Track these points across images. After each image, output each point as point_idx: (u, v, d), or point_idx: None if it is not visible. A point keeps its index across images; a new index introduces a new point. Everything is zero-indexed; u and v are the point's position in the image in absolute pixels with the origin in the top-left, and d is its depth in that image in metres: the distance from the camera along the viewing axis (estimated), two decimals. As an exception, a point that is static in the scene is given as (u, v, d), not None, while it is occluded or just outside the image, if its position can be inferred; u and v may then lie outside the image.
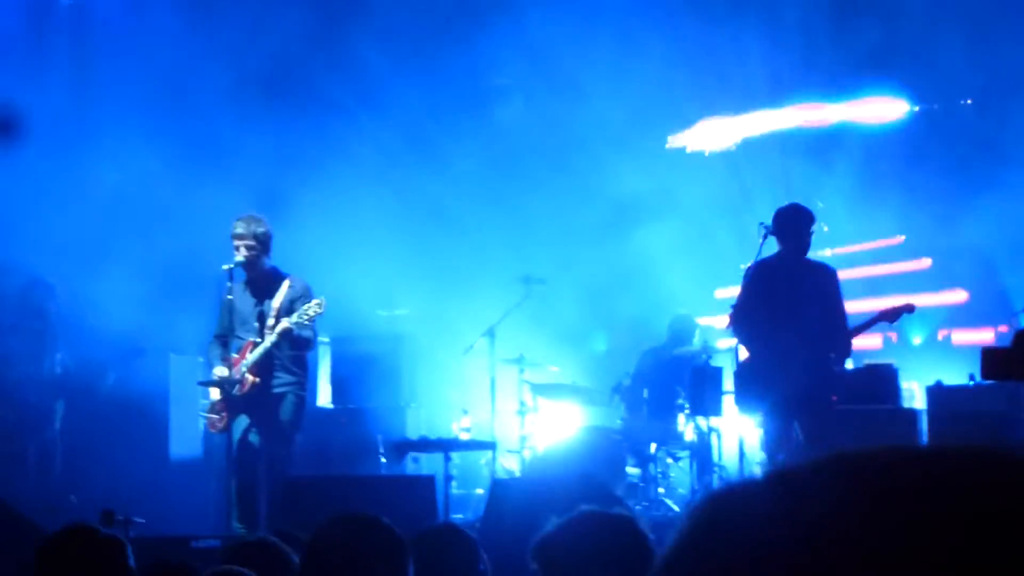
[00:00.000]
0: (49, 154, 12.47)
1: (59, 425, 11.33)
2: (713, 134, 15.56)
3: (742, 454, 10.43)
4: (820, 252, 11.74)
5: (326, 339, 12.78)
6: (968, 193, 14.07)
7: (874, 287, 13.55)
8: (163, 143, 12.55)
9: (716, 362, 11.90)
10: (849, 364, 10.54)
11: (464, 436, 11.77)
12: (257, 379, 9.68)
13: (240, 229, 9.72)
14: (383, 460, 12.22)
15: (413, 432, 12.33)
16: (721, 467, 11.51)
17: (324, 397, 13.01)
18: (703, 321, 13.07)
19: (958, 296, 14.70)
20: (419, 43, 14.66)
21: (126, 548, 4.46)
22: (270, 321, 9.70)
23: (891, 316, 9.58)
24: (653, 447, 11.64)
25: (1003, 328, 13.71)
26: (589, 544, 3.61)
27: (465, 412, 12.13)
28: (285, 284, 9.86)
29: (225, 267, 9.68)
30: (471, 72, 14.40)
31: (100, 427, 11.46)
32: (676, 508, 11.27)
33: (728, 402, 11.09)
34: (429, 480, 9.18)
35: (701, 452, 11.69)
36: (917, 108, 15.06)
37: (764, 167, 14.84)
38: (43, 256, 11.56)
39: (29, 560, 4.48)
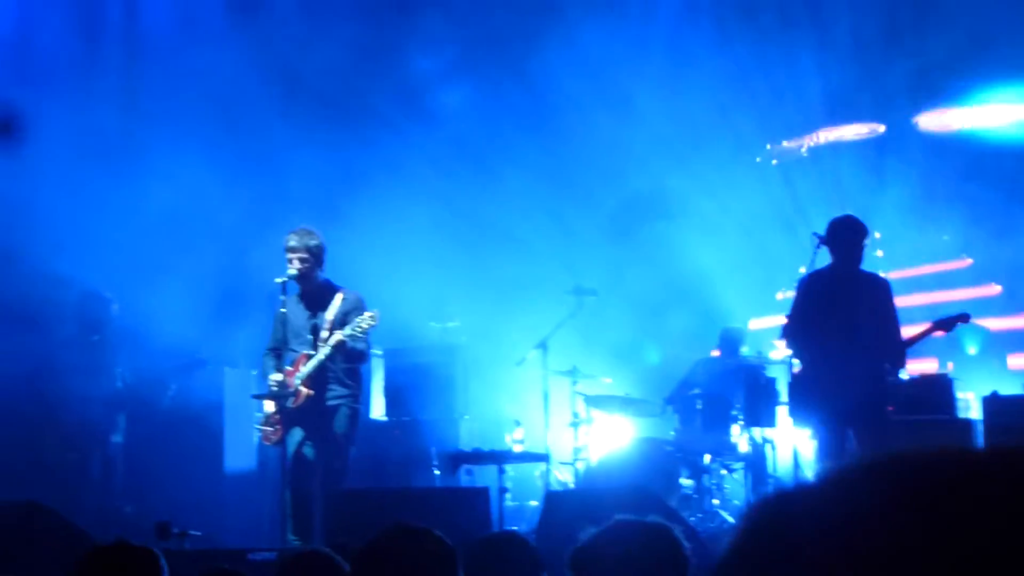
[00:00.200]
0: (104, 169, 12.55)
1: (121, 438, 11.39)
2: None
3: (796, 465, 10.38)
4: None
5: (379, 351, 12.81)
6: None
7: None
8: (216, 158, 12.62)
9: (770, 372, 11.87)
10: (904, 374, 10.47)
11: (517, 448, 11.75)
12: (311, 392, 9.70)
13: (293, 242, 9.75)
14: (437, 472, 12.23)
15: (466, 444, 12.31)
16: (776, 478, 11.46)
17: (378, 409, 13.02)
18: (764, 322, 13.01)
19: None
20: (471, 58, 14.72)
21: (159, 559, 4.47)
22: (324, 334, 9.71)
23: (946, 326, 9.50)
24: (707, 458, 11.59)
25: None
26: (623, 552, 3.59)
27: (518, 424, 12.12)
28: (338, 297, 9.88)
29: (278, 280, 9.70)
30: (524, 87, 14.42)
31: (159, 440, 11.50)
32: (731, 519, 11.20)
33: (782, 413, 11.03)
34: (483, 492, 9.14)
35: (755, 463, 11.64)
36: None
37: (818, 179, 14.79)
38: (99, 271, 11.63)
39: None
